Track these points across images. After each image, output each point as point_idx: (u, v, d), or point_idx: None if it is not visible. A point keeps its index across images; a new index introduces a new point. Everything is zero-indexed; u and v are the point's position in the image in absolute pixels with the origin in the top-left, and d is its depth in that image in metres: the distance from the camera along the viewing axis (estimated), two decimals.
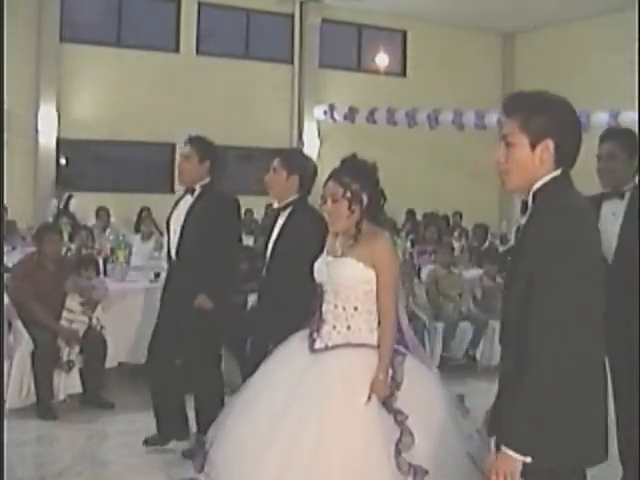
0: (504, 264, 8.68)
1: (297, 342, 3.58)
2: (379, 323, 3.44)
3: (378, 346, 3.40)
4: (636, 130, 4.43)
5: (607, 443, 2.48)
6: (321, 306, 3.54)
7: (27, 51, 14.25)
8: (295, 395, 3.33)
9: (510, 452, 2.30)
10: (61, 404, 6.12)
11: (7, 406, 5.84)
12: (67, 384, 6.15)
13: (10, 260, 7.12)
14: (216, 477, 3.39)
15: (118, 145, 15.39)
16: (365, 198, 3.47)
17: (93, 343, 6.24)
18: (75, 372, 6.19)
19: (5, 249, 8.18)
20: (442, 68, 17.71)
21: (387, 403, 3.28)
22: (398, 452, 3.17)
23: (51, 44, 14.48)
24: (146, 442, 5.20)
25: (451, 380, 7.20)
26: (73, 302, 6.26)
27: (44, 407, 5.96)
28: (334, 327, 3.46)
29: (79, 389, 6.23)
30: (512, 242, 11.48)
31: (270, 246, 4.61)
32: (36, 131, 14.40)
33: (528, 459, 2.29)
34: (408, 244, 10.97)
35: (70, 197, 13.51)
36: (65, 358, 6.10)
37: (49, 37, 14.47)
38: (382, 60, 18.13)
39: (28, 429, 5.69)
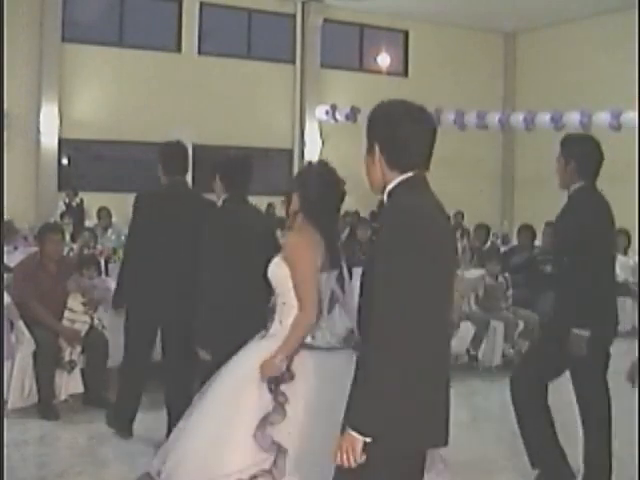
0: (506, 264, 8.69)
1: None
2: None
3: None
4: (636, 130, 4.50)
5: (447, 428, 2.63)
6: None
7: (29, 51, 14.25)
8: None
9: (353, 433, 2.46)
10: (63, 404, 6.12)
11: (9, 406, 5.85)
12: (69, 384, 6.15)
13: (12, 260, 7.13)
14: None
15: (120, 145, 15.40)
16: (297, 200, 3.66)
17: (95, 343, 6.24)
18: (77, 372, 6.19)
19: (7, 249, 8.19)
20: (444, 68, 17.71)
21: (271, 383, 3.38)
22: (263, 425, 3.29)
23: (53, 44, 14.48)
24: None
25: (452, 380, 7.21)
26: (75, 302, 6.27)
27: (46, 407, 5.96)
28: (277, 321, 3.64)
29: (81, 389, 6.23)
30: (514, 242, 11.48)
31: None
32: (38, 131, 14.40)
33: (368, 439, 2.45)
34: None
35: (76, 194, 13.57)
36: (67, 358, 6.10)
37: (51, 37, 14.47)
38: (384, 60, 18.14)
39: (30, 429, 5.70)
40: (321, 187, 3.63)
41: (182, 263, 4.98)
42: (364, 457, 2.46)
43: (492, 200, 18.36)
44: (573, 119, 13.58)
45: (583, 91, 15.63)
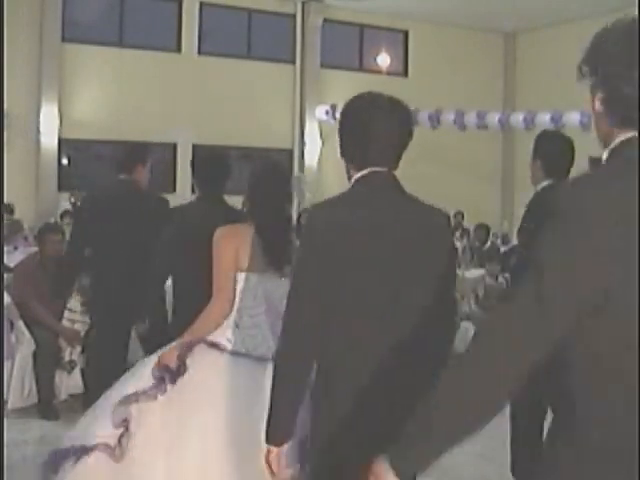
0: (506, 264, 8.69)
1: None
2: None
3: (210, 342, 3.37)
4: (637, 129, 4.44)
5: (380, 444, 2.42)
6: None
7: (29, 51, 14.25)
8: None
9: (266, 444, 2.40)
10: (63, 404, 6.14)
11: (9, 406, 5.86)
12: (69, 384, 6.17)
13: (12, 260, 7.13)
14: None
15: (120, 145, 15.39)
16: (246, 199, 3.64)
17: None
18: (77, 372, 6.20)
19: (7, 249, 8.20)
20: (444, 68, 17.71)
21: (163, 372, 3.27)
22: (128, 400, 3.22)
23: (53, 44, 14.49)
24: None
25: None
26: (74, 302, 6.27)
27: (46, 407, 5.97)
28: None
29: (81, 389, 6.23)
30: (514, 242, 11.48)
31: None
32: (38, 131, 14.40)
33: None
34: None
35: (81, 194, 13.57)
36: (67, 358, 6.11)
37: (51, 37, 14.48)
38: (384, 60, 18.15)
39: (30, 429, 5.70)
40: (260, 187, 3.51)
41: (132, 262, 4.81)
42: (289, 472, 2.38)
43: (492, 200, 18.36)
44: (573, 119, 13.57)
45: (583, 91, 15.60)
